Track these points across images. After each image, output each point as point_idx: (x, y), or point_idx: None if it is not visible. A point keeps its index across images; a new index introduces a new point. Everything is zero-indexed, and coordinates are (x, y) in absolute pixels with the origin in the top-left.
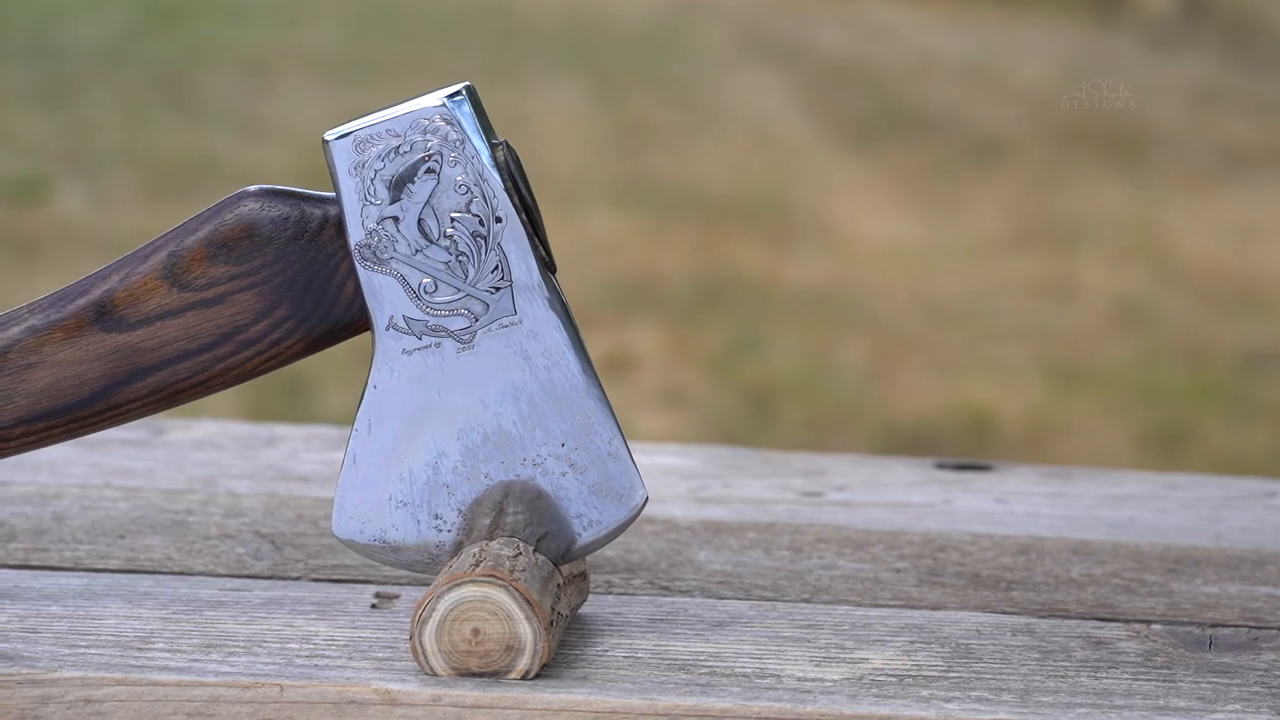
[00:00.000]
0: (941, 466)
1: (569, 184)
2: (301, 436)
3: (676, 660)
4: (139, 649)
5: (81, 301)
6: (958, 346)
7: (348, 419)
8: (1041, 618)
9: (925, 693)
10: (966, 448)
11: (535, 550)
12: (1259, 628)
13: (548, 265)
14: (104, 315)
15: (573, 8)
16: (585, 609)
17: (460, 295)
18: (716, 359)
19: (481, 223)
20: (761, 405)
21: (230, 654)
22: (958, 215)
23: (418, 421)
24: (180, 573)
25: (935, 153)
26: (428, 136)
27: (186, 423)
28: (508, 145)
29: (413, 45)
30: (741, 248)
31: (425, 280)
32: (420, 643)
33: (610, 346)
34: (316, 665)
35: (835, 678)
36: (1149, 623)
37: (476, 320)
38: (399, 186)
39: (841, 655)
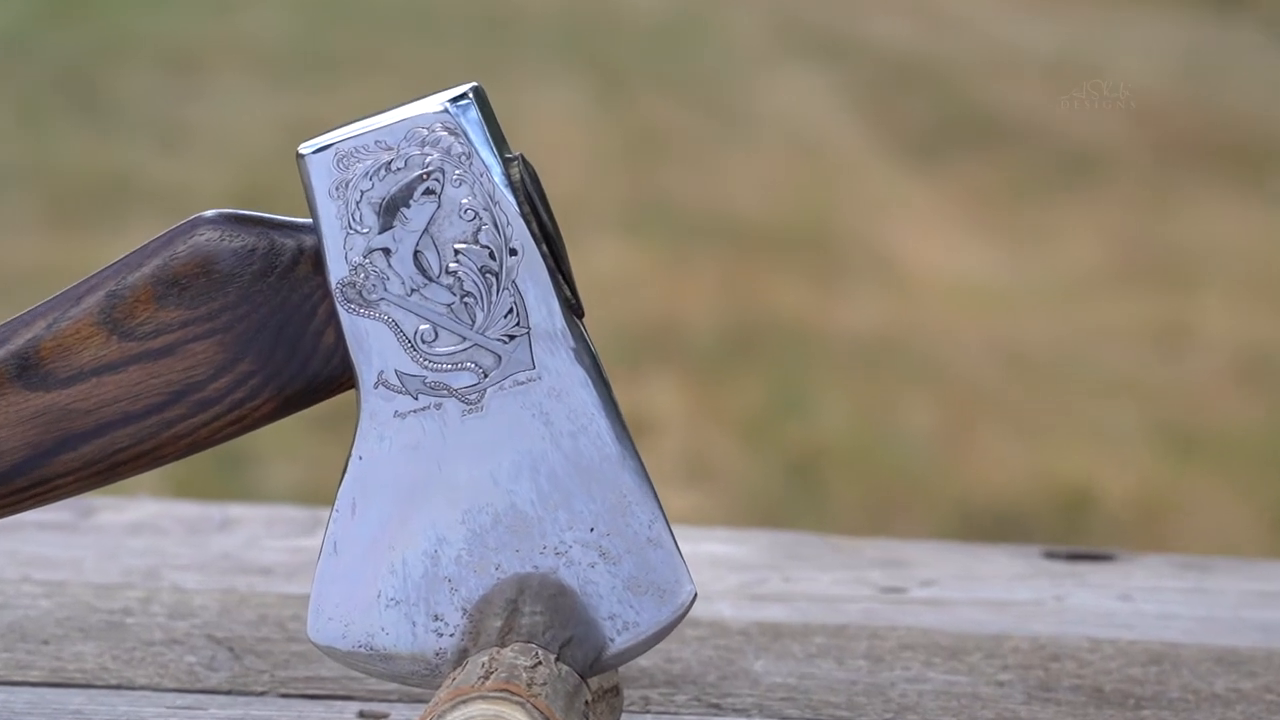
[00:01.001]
0: (1051, 556)
1: (568, 207)
2: (262, 519)
3: None
4: None
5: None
6: (1048, 406)
7: (295, 497)
8: None
9: None
10: (1061, 531)
11: (558, 659)
12: None
13: (573, 308)
14: (27, 370)
15: None
16: None
17: (466, 345)
18: (751, 422)
19: (492, 255)
20: (807, 479)
21: None
22: (1045, 245)
23: (413, 500)
24: (118, 686)
25: (1017, 168)
26: (426, 149)
27: (120, 501)
28: (524, 160)
29: (376, 36)
30: (780, 285)
31: (423, 326)
32: None
33: (621, 406)
34: None
35: None
36: None
37: (486, 376)
38: (391, 211)
39: None
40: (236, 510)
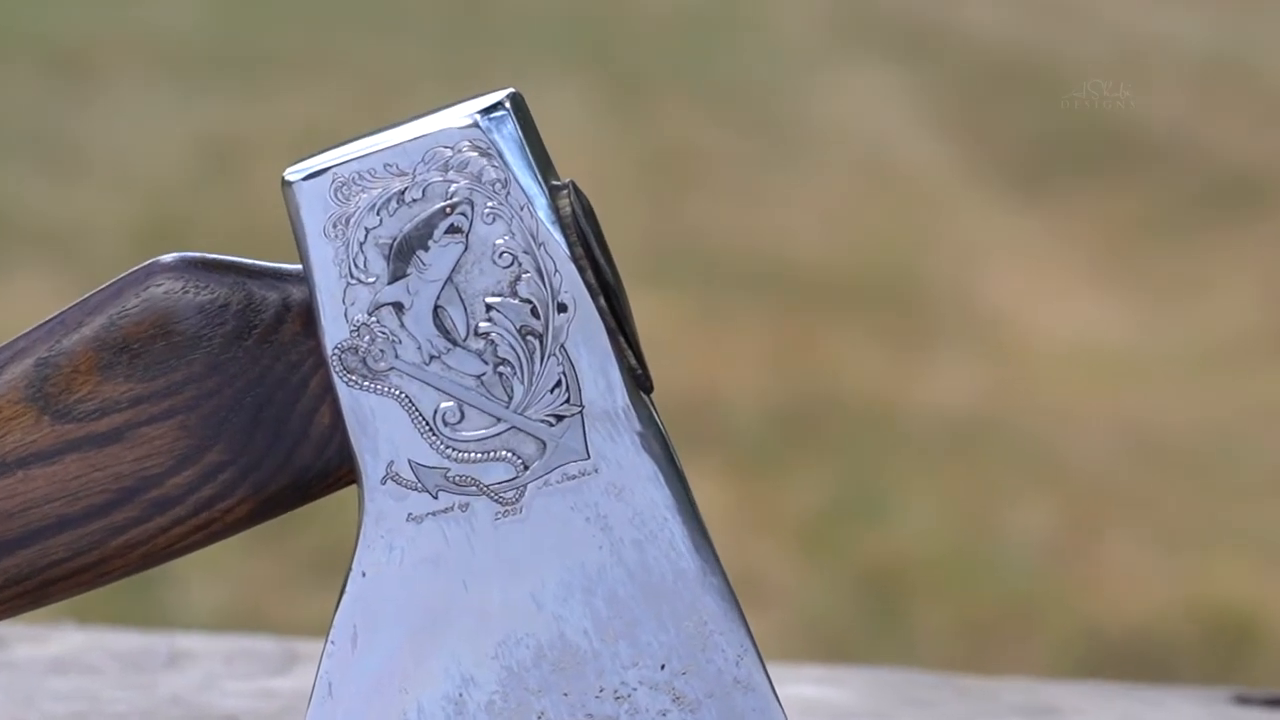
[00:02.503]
0: (1244, 701)
1: None
2: (220, 653)
3: None
4: None
5: None
6: (1194, 508)
7: (218, 624)
8: None
9: None
10: (1218, 666)
11: None
12: None
13: (638, 381)
14: None
15: None
16: None
17: (501, 428)
18: (812, 526)
19: (536, 312)
20: (884, 599)
21: None
22: (1189, 298)
23: (432, 630)
24: None
25: (1152, 199)
26: (450, 175)
27: (37, 631)
28: (575, 189)
29: (317, 30)
30: (848, 350)
31: (445, 404)
32: None
33: None
34: None
35: None
36: None
37: (526, 468)
38: (404, 255)
39: None
40: (187, 641)
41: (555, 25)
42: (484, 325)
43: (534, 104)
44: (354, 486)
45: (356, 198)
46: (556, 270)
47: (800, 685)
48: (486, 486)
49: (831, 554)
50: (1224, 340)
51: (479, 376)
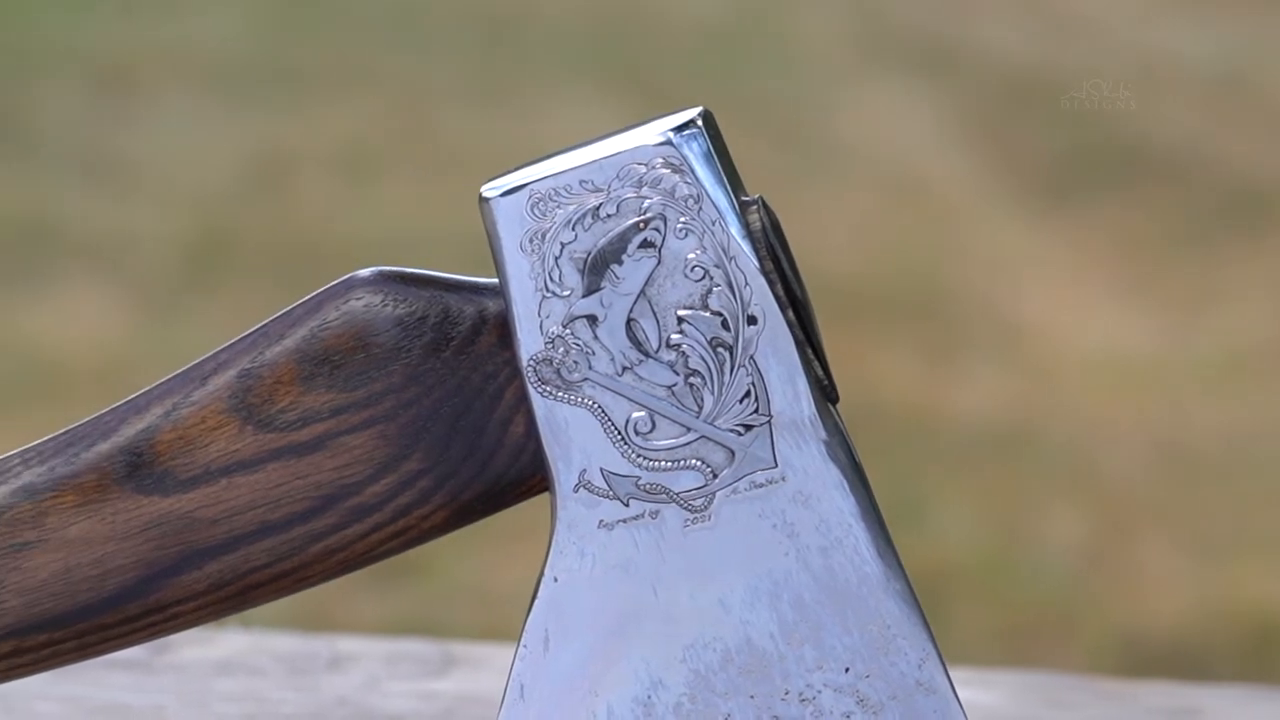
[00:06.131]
0: None
1: None
2: (381, 655)
3: None
4: None
5: (104, 447)
6: (1223, 515)
7: (281, 625)
8: None
9: None
10: (1252, 669)
11: None
12: None
13: (825, 391)
14: (140, 469)
15: None
16: None
17: (691, 438)
18: None
19: (725, 324)
20: (925, 603)
21: None
22: (1214, 308)
23: (622, 634)
24: None
25: (1174, 211)
26: (644, 191)
27: (203, 634)
28: (764, 204)
29: (352, 45)
30: (880, 361)
31: (637, 414)
32: None
33: None
34: None
35: None
36: None
37: (715, 476)
38: (598, 269)
39: None
40: (348, 644)
41: (585, 41)
42: (675, 337)
43: (565, 119)
44: (544, 496)
45: (552, 213)
46: (747, 283)
47: None
48: (676, 494)
49: None
50: (1247, 350)
51: (670, 387)
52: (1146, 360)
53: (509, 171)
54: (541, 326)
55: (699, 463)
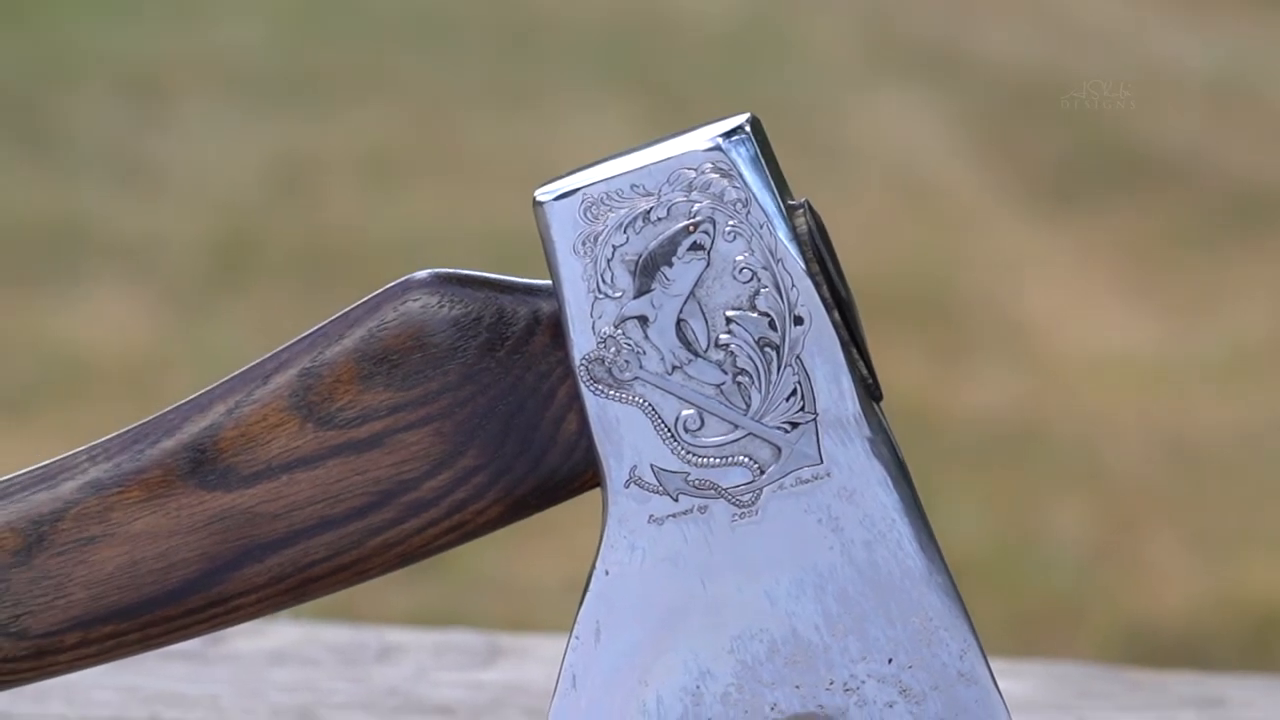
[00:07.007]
0: None
1: None
2: (429, 646)
3: None
4: None
5: (169, 444)
6: (1226, 510)
7: (314, 616)
8: None
9: None
10: (1256, 659)
11: None
12: None
13: (869, 390)
14: (203, 465)
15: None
16: None
17: (738, 435)
18: None
19: (773, 325)
20: None
21: None
22: (1215, 308)
23: (671, 624)
24: None
25: (1174, 214)
26: (694, 196)
27: (254, 625)
28: (810, 208)
29: (374, 51)
30: (890, 360)
31: (686, 412)
32: None
33: None
34: None
35: None
36: None
37: (762, 472)
38: (649, 271)
39: None
40: (397, 635)
41: (602, 48)
42: (724, 337)
43: (583, 124)
44: (597, 492)
45: (604, 217)
46: (793, 285)
47: None
48: (724, 490)
49: None
50: (1249, 348)
51: (719, 385)
52: (1151, 359)
53: (561, 176)
54: (594, 327)
55: (746, 459)
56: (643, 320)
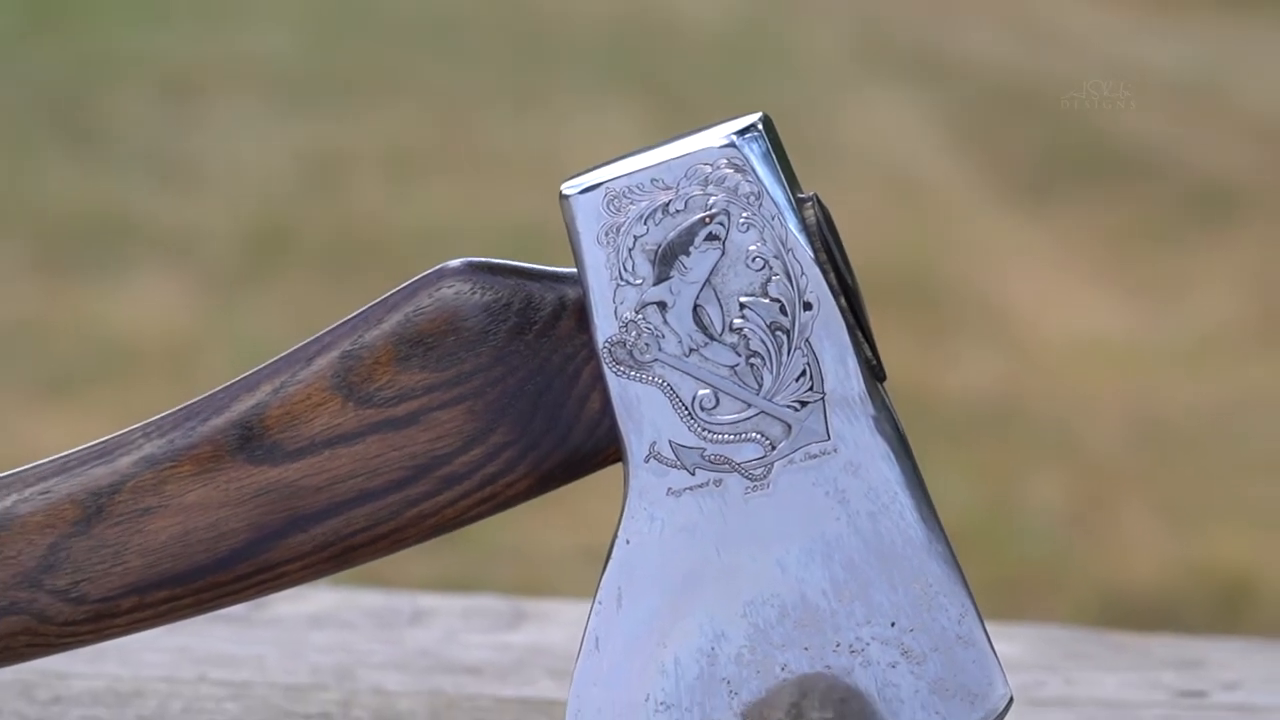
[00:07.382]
0: None
1: None
2: (458, 610)
3: None
4: None
5: (218, 421)
6: (1193, 482)
7: (341, 581)
8: None
9: None
10: (1222, 623)
11: None
12: None
13: (874, 371)
14: (251, 441)
15: (624, 3)
16: None
17: (751, 413)
18: None
19: (783, 310)
20: None
21: None
22: (1182, 295)
23: (688, 591)
24: None
25: (1143, 207)
26: (710, 189)
27: (296, 591)
28: (818, 201)
29: (395, 54)
30: (881, 343)
31: (702, 391)
32: None
33: None
34: None
35: None
36: None
37: (773, 448)
38: (668, 260)
39: None
40: (428, 600)
41: (608, 52)
42: (738, 322)
43: (590, 122)
44: (619, 466)
45: (626, 209)
46: (803, 273)
47: None
48: (738, 464)
49: None
50: (1214, 332)
51: (733, 367)
52: (1123, 342)
53: (585, 171)
54: (616, 312)
55: (759, 435)
56: (662, 306)
